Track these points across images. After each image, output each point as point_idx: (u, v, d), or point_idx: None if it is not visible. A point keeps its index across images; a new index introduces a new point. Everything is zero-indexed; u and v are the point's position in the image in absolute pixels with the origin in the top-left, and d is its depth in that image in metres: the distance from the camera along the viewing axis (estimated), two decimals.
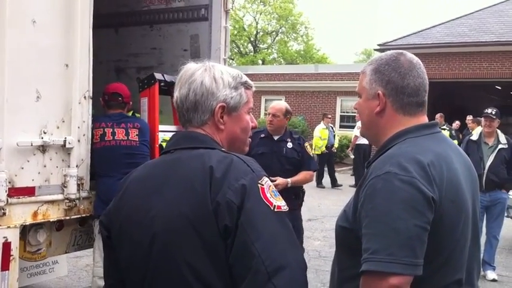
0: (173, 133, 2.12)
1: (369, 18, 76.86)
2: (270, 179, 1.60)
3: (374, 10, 73.54)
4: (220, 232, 1.46)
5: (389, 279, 1.56)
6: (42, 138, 3.38)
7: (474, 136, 7.12)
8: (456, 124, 15.93)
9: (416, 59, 1.89)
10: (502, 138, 6.89)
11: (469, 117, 15.07)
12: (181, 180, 1.56)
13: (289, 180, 5.03)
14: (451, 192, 1.72)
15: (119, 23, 5.62)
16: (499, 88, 24.65)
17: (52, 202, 3.49)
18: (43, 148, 3.39)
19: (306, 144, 5.35)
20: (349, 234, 1.77)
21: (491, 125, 6.82)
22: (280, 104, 5.42)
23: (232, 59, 44.47)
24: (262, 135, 5.30)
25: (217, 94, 1.67)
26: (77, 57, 3.55)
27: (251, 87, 1.78)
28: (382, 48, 19.80)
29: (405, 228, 1.59)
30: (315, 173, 5.81)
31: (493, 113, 6.81)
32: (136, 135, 4.24)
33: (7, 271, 3.20)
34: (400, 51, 1.94)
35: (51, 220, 3.52)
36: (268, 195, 1.52)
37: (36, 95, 3.36)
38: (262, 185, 1.53)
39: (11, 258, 3.21)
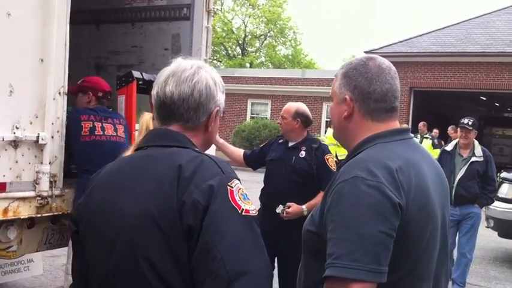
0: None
1: (357, 25, 77.31)
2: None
3: (362, 18, 73.98)
4: (184, 232, 1.43)
5: (352, 285, 1.53)
6: (14, 133, 3.32)
7: (449, 146, 6.77)
8: (434, 132, 15.97)
9: (386, 64, 1.85)
10: (478, 150, 6.48)
11: (451, 127, 15.15)
12: (149, 178, 1.53)
13: (304, 207, 4.30)
14: (419, 199, 1.69)
15: (100, 19, 5.57)
16: (484, 99, 24.89)
17: (23, 199, 3.43)
18: (15, 143, 3.33)
19: (328, 156, 4.50)
20: (315, 238, 1.74)
21: (467, 136, 6.42)
22: (291, 105, 4.71)
23: (220, 61, 44.46)
24: (280, 141, 4.76)
25: (216, 98, 1.67)
26: (53, 52, 3.49)
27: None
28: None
29: (370, 234, 1.56)
30: None
31: (470, 123, 6.41)
32: (123, 131, 4.18)
33: None
34: (371, 55, 1.90)
35: (22, 217, 3.45)
36: (236, 198, 1.48)
37: (9, 90, 3.29)
38: (232, 187, 1.49)
39: None
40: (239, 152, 4.99)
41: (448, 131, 15.31)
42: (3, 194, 3.30)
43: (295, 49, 44.51)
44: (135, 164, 1.61)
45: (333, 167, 4.41)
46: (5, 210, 3.33)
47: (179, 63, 1.67)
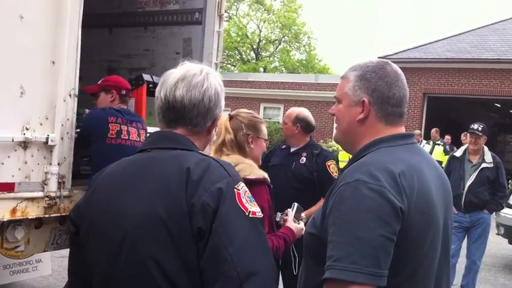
0: None
1: (372, 31, 77.09)
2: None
3: (376, 23, 73.77)
4: (194, 234, 1.46)
5: None
6: (24, 134, 3.35)
7: (458, 152, 6.71)
8: (447, 139, 15.86)
9: (400, 70, 1.89)
10: (488, 156, 6.40)
11: (464, 134, 15.04)
12: (156, 180, 1.55)
13: (302, 214, 3.89)
14: (421, 204, 1.69)
15: (113, 23, 5.62)
16: (498, 106, 24.67)
17: (32, 199, 3.46)
18: (24, 144, 3.36)
19: (330, 162, 4.38)
20: (316, 241, 1.75)
21: (477, 142, 6.36)
22: (293, 110, 4.62)
23: (234, 66, 44.57)
24: (283, 146, 4.69)
25: (221, 103, 1.73)
26: (64, 54, 3.52)
27: None
28: None
29: (370, 238, 1.56)
30: None
31: (479, 129, 6.34)
32: (145, 137, 4.18)
33: None
34: (385, 60, 1.93)
35: (30, 217, 3.48)
36: (243, 200, 1.53)
37: (20, 91, 3.33)
38: (239, 190, 1.54)
39: None
40: None
41: (461, 138, 15.20)
42: (11, 194, 3.33)
43: (309, 54, 44.48)
44: (140, 166, 1.63)
45: (334, 174, 4.31)
46: (13, 210, 3.36)
47: (188, 68, 1.70)
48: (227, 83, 25.98)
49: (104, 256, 1.57)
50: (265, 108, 25.24)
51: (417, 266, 1.70)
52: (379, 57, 20.28)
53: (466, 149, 6.57)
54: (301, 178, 4.33)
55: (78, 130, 3.94)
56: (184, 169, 1.52)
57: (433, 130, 15.50)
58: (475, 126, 6.45)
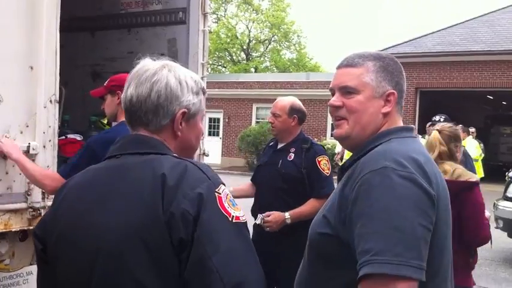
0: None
1: (361, 27, 77.15)
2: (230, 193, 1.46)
3: (366, 19, 73.90)
4: (174, 246, 1.33)
5: (396, 283, 1.40)
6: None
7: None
8: None
9: None
10: None
11: (458, 126, 14.98)
12: (129, 189, 1.42)
13: (286, 214, 3.77)
14: (442, 195, 1.61)
15: (95, 26, 5.48)
16: (491, 98, 24.68)
17: (15, 211, 3.32)
18: (5, 154, 3.23)
19: (320, 158, 3.91)
20: (330, 240, 1.62)
21: None
22: (284, 99, 4.10)
23: (225, 67, 44.49)
24: (271, 144, 4.27)
25: (181, 99, 1.55)
26: (43, 59, 3.39)
27: (205, 93, 1.68)
28: None
29: (411, 227, 1.44)
30: None
31: (441, 120, 5.99)
32: None
33: None
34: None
35: (13, 230, 3.34)
36: (225, 204, 1.40)
37: None
38: (220, 193, 1.41)
39: None
40: (247, 185, 4.38)
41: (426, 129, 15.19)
42: None
43: (300, 53, 44.45)
44: (111, 174, 1.49)
45: (326, 171, 3.88)
46: None
47: (143, 64, 1.58)
48: (218, 85, 25.99)
49: (75, 273, 1.44)
50: (257, 108, 25.14)
51: (441, 260, 1.60)
52: None
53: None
54: (288, 177, 3.88)
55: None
56: (158, 175, 1.40)
57: (428, 124, 15.40)
58: (437, 117, 6.17)
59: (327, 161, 3.96)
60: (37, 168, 3.22)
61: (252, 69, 42.56)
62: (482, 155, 13.84)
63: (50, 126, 3.49)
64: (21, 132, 3.34)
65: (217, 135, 26.57)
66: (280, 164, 3.97)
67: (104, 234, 1.40)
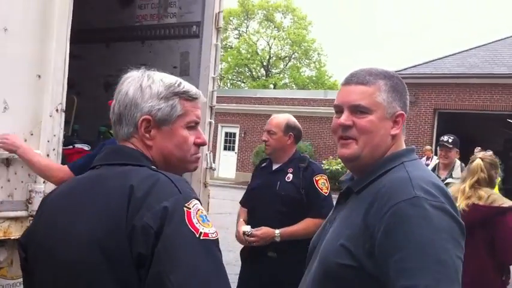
0: None
1: (382, 48, 77.07)
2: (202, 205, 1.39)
3: (386, 40, 73.83)
4: (134, 260, 1.26)
5: None
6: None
7: (429, 167, 6.20)
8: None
9: None
10: (457, 171, 5.84)
11: (477, 149, 14.79)
12: (98, 200, 1.37)
13: (276, 231, 3.57)
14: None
15: (110, 38, 5.52)
16: (511, 121, 24.35)
17: (15, 219, 3.31)
18: (7, 161, 3.22)
19: (318, 177, 3.71)
20: (353, 272, 1.53)
21: (447, 155, 5.88)
22: (279, 116, 3.92)
23: (244, 82, 44.64)
24: (263, 165, 4.02)
25: (142, 105, 1.49)
26: (51, 68, 3.39)
27: (193, 98, 1.57)
28: None
29: (451, 261, 1.43)
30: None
31: (450, 141, 5.83)
32: None
33: None
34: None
35: (13, 238, 3.32)
36: (194, 220, 1.31)
37: (4, 106, 3.20)
38: (189, 208, 1.32)
39: None
40: (244, 212, 4.04)
41: (474, 153, 14.98)
42: None
43: (320, 71, 44.45)
44: (86, 185, 1.46)
45: (324, 191, 3.68)
46: None
47: (123, 78, 1.56)
48: (236, 100, 26.05)
49: (46, 283, 1.42)
50: None
51: None
52: None
53: (436, 164, 6.15)
54: (288, 200, 3.65)
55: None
56: (127, 186, 1.34)
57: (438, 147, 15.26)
58: (445, 138, 5.96)
59: (326, 180, 3.77)
60: (43, 160, 3.22)
61: (271, 86, 42.64)
62: (499, 178, 13.60)
63: (54, 135, 3.48)
64: (26, 140, 3.33)
65: (233, 149, 26.56)
66: (278, 186, 3.72)
67: (67, 249, 1.37)
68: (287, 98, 26.13)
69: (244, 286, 3.82)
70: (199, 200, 1.38)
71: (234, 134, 26.56)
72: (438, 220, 1.45)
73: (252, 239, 3.65)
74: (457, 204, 3.11)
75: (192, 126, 1.57)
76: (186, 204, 1.32)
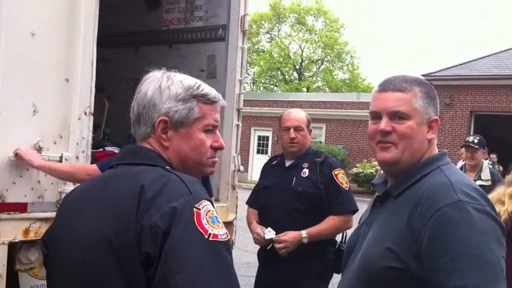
0: None
1: (416, 49, 76.08)
2: (210, 205, 1.37)
3: (420, 41, 72.84)
4: (142, 260, 1.27)
5: None
6: (37, 153, 3.29)
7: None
8: (492, 157, 15.35)
9: None
10: (485, 173, 5.71)
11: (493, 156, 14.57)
12: (110, 199, 1.39)
13: (303, 232, 3.42)
14: None
15: (139, 41, 5.60)
16: None
17: (46, 220, 3.37)
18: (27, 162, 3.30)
19: (337, 171, 3.57)
20: (400, 275, 1.59)
21: (473, 156, 5.72)
22: (298, 111, 3.78)
23: (277, 86, 44.67)
24: (274, 162, 3.88)
25: (159, 106, 1.50)
26: (78, 72, 3.46)
27: (212, 101, 1.57)
28: (427, 78, 19.37)
29: (497, 261, 1.51)
30: (352, 216, 3.59)
31: (475, 141, 5.66)
32: None
33: None
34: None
35: None
36: (203, 221, 1.30)
37: (33, 109, 3.28)
38: (199, 209, 1.31)
39: None
40: (254, 214, 3.87)
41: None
42: (24, 215, 3.27)
43: (353, 73, 44.17)
44: (102, 184, 1.49)
45: (344, 185, 3.55)
46: (26, 231, 3.29)
47: (146, 76, 1.58)
48: (268, 103, 26.00)
49: (64, 280, 1.45)
50: None
51: None
52: (422, 75, 19.92)
53: (463, 165, 6.00)
54: (307, 196, 3.49)
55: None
56: (138, 186, 1.35)
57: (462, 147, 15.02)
58: (471, 138, 5.79)
59: (344, 174, 3.65)
60: (65, 166, 3.29)
61: (304, 89, 42.55)
62: None
63: (83, 138, 3.55)
64: (55, 143, 3.41)
65: (266, 153, 26.58)
66: (294, 182, 3.56)
67: (78, 247, 1.39)
68: (319, 101, 26.02)
69: (261, 286, 3.76)
70: (210, 201, 1.38)
71: (267, 137, 26.58)
72: (482, 223, 1.52)
73: (280, 245, 3.47)
74: (505, 208, 3.05)
75: (210, 129, 1.58)
76: (195, 205, 1.32)
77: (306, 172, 3.59)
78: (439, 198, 1.57)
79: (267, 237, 3.52)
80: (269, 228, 3.55)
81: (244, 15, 4.64)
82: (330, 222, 3.51)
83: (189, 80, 1.57)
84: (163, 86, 1.52)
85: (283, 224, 3.51)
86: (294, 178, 3.59)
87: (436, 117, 1.78)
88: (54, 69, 3.39)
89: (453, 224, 1.52)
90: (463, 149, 16.37)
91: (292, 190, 3.56)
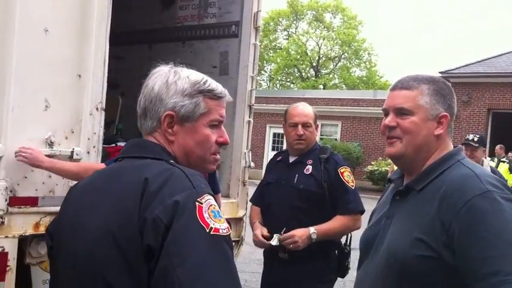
0: None
1: (433, 47, 75.42)
2: (214, 200, 1.38)
3: (438, 38, 72.15)
4: (144, 253, 1.29)
5: None
6: (48, 148, 3.33)
7: None
8: (510, 155, 15.17)
9: None
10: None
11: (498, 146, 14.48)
12: (115, 192, 1.42)
13: (311, 229, 3.26)
14: None
15: (153, 39, 5.63)
16: None
17: (56, 214, 3.38)
18: (49, 158, 3.34)
19: (343, 169, 3.40)
20: (433, 263, 1.65)
21: (473, 154, 5.69)
22: (305, 106, 3.59)
23: (293, 83, 44.59)
24: (279, 158, 3.73)
25: (166, 101, 1.52)
26: (91, 68, 3.49)
27: (218, 97, 1.58)
28: (444, 76, 19.22)
29: None
30: (361, 216, 3.43)
31: (475, 139, 5.68)
32: None
33: (3, 282, 3.13)
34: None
35: None
36: (205, 215, 1.32)
37: (45, 104, 3.32)
38: (201, 203, 1.33)
39: (7, 269, 3.14)
40: (257, 214, 3.73)
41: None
42: (34, 209, 3.31)
43: (370, 71, 43.96)
44: (107, 177, 1.51)
45: (351, 184, 3.38)
46: (37, 225, 3.33)
47: (153, 71, 1.59)
48: (284, 100, 26.03)
49: (66, 274, 1.48)
50: (322, 125, 24.94)
51: None
52: (440, 72, 19.77)
53: None
54: (308, 194, 3.35)
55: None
56: (142, 180, 1.37)
57: (498, 147, 14.92)
58: (470, 136, 5.79)
59: (350, 172, 3.47)
60: (73, 166, 3.29)
61: (321, 86, 42.43)
62: None
63: (95, 133, 3.58)
64: (66, 138, 3.44)
65: (280, 150, 26.57)
66: (296, 179, 3.41)
67: (84, 239, 1.41)
68: (335, 98, 25.93)
69: (265, 285, 3.70)
70: (212, 196, 1.39)
71: (283, 134, 26.53)
72: (511, 211, 1.59)
73: (288, 241, 3.27)
74: None
75: (215, 124, 1.59)
76: (198, 199, 1.34)
77: (309, 169, 3.44)
78: (468, 189, 1.64)
79: (273, 243, 3.36)
80: (274, 235, 3.37)
81: (257, 11, 4.64)
82: (339, 221, 3.36)
83: (195, 75, 1.58)
84: (170, 80, 1.54)
85: (285, 223, 3.36)
86: (297, 175, 3.45)
87: (445, 113, 1.83)
88: (66, 65, 3.42)
89: (484, 213, 1.58)
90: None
91: (293, 188, 3.42)
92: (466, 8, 76.43)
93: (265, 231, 3.45)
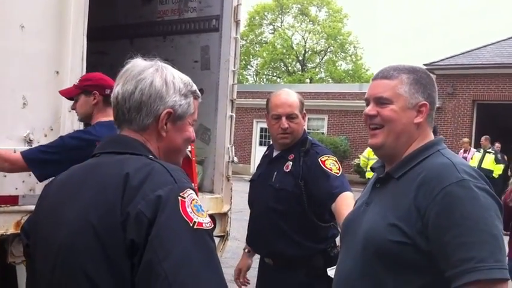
0: None
1: (418, 39, 75.77)
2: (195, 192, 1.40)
3: (423, 31, 72.50)
4: (127, 247, 1.29)
5: (502, 285, 1.58)
6: (27, 146, 3.30)
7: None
8: (497, 146, 15.32)
9: None
10: None
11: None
12: (94, 187, 1.41)
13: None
14: None
15: (134, 34, 5.59)
16: None
17: None
18: None
19: (325, 157, 2.90)
20: (406, 248, 1.70)
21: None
22: (290, 94, 3.07)
23: (280, 78, 44.57)
24: (267, 152, 3.33)
25: (166, 99, 1.53)
26: (68, 64, 3.46)
27: (199, 97, 1.65)
28: (429, 68, 19.31)
29: (500, 235, 1.63)
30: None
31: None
32: None
33: None
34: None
35: None
36: (188, 209, 1.34)
37: (23, 102, 3.29)
38: (184, 198, 1.35)
39: None
40: None
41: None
42: (15, 207, 3.29)
43: (356, 64, 44.04)
44: (84, 173, 1.50)
45: (335, 171, 2.85)
46: (18, 224, 3.30)
47: (133, 63, 1.57)
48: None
49: (45, 269, 1.46)
50: (309, 119, 24.97)
51: None
52: (424, 64, 19.82)
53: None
54: (284, 195, 2.93)
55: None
56: (123, 174, 1.38)
57: (483, 138, 15.05)
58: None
59: (335, 161, 2.96)
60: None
61: (307, 80, 42.47)
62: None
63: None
64: (45, 136, 3.41)
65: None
66: (274, 177, 3.02)
67: (64, 233, 1.40)
68: (321, 92, 25.93)
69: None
70: (194, 190, 1.41)
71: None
72: (485, 200, 1.64)
73: None
74: None
75: (193, 124, 1.65)
76: (180, 194, 1.35)
77: (289, 165, 3.00)
78: (444, 177, 1.67)
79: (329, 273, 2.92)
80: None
81: (238, 5, 4.62)
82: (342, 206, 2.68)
83: (184, 76, 1.63)
84: (168, 79, 1.55)
85: (259, 226, 3.07)
86: (275, 173, 3.04)
87: (425, 102, 1.85)
88: (44, 62, 3.39)
89: (460, 201, 1.62)
90: (465, 139, 16.40)
91: (271, 187, 3.02)
92: (457, 2, 76.87)
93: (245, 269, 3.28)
